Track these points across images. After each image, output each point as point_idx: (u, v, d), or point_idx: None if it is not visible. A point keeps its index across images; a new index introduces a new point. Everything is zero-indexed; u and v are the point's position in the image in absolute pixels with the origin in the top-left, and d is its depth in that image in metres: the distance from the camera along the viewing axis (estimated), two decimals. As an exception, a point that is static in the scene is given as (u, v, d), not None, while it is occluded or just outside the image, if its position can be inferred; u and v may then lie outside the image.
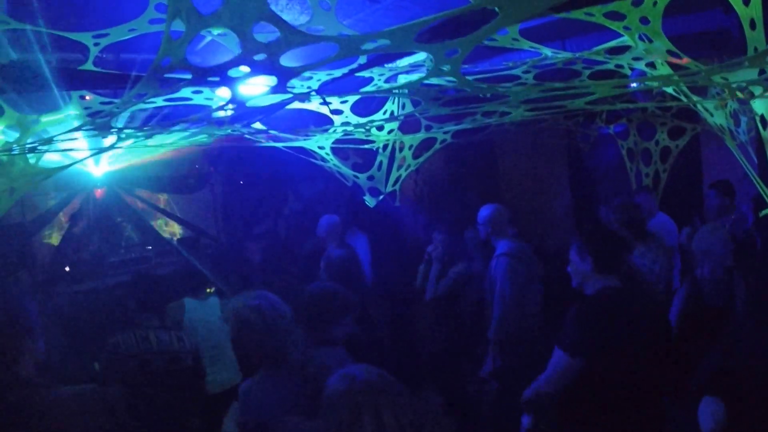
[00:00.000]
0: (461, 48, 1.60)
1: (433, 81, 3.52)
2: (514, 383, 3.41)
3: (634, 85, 4.05)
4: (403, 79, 4.18)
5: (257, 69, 1.66)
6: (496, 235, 4.59)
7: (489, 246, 4.63)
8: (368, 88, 3.92)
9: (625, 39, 3.62)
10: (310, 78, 3.42)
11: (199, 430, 3.62)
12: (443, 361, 5.20)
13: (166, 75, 1.84)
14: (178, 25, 1.52)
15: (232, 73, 1.76)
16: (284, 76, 1.81)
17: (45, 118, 3.92)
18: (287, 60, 1.68)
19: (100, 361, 3.58)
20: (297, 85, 3.55)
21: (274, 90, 2.14)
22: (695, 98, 4.10)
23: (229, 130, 3.43)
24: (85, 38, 3.42)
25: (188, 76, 1.84)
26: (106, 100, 3.83)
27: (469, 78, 2.45)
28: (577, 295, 3.18)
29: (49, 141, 3.64)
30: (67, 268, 6.31)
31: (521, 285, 4.45)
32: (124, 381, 3.26)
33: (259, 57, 1.53)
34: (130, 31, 3.37)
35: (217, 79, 1.78)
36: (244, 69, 1.81)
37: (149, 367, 3.45)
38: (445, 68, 1.75)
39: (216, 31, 3.26)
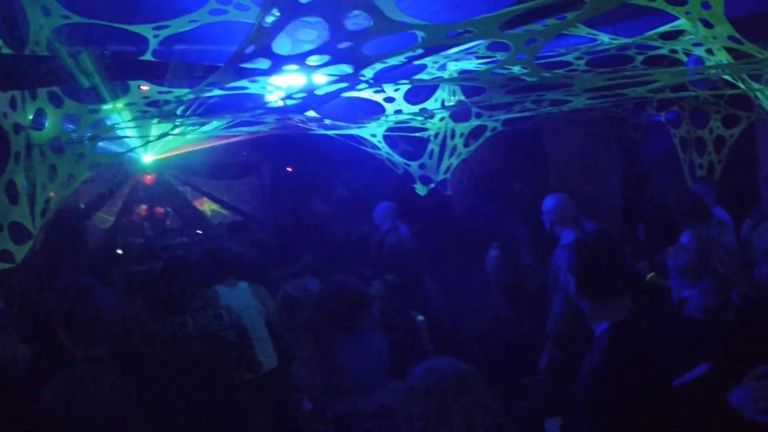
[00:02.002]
0: (542, 37, 1.59)
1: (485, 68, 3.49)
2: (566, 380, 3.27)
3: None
4: (452, 66, 4.14)
5: (338, 58, 1.68)
6: (561, 224, 4.53)
7: (552, 236, 4.57)
8: (422, 76, 3.91)
9: (680, 23, 3.52)
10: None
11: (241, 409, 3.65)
12: (495, 355, 5.16)
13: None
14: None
15: (310, 61, 1.78)
16: (361, 64, 1.82)
17: (104, 108, 4.03)
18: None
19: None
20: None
21: (345, 79, 2.16)
22: (756, 86, 3.96)
23: (297, 119, 3.47)
24: (146, 30, 3.50)
25: (266, 64, 1.87)
26: (165, 89, 3.91)
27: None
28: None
29: (110, 129, 3.75)
30: (119, 251, 6.50)
31: None
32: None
33: (344, 45, 1.55)
34: (190, 22, 3.44)
35: (296, 67, 1.81)
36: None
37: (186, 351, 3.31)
38: (521, 57, 1.74)
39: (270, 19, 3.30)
